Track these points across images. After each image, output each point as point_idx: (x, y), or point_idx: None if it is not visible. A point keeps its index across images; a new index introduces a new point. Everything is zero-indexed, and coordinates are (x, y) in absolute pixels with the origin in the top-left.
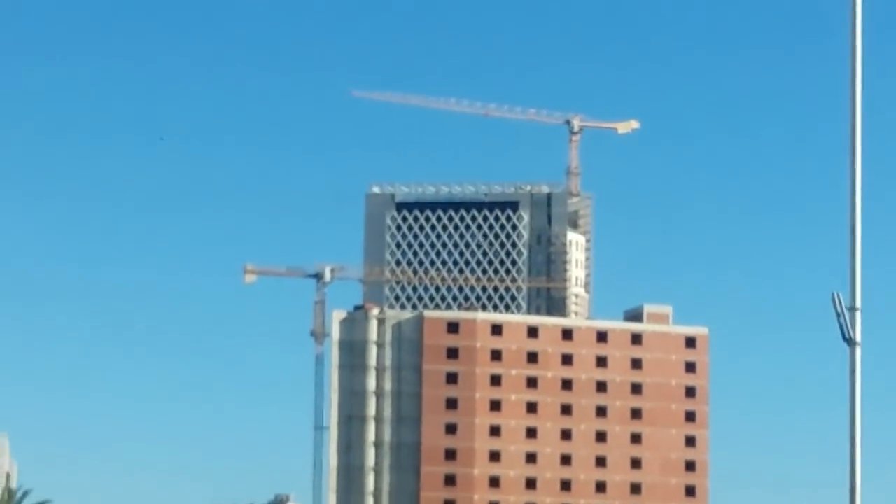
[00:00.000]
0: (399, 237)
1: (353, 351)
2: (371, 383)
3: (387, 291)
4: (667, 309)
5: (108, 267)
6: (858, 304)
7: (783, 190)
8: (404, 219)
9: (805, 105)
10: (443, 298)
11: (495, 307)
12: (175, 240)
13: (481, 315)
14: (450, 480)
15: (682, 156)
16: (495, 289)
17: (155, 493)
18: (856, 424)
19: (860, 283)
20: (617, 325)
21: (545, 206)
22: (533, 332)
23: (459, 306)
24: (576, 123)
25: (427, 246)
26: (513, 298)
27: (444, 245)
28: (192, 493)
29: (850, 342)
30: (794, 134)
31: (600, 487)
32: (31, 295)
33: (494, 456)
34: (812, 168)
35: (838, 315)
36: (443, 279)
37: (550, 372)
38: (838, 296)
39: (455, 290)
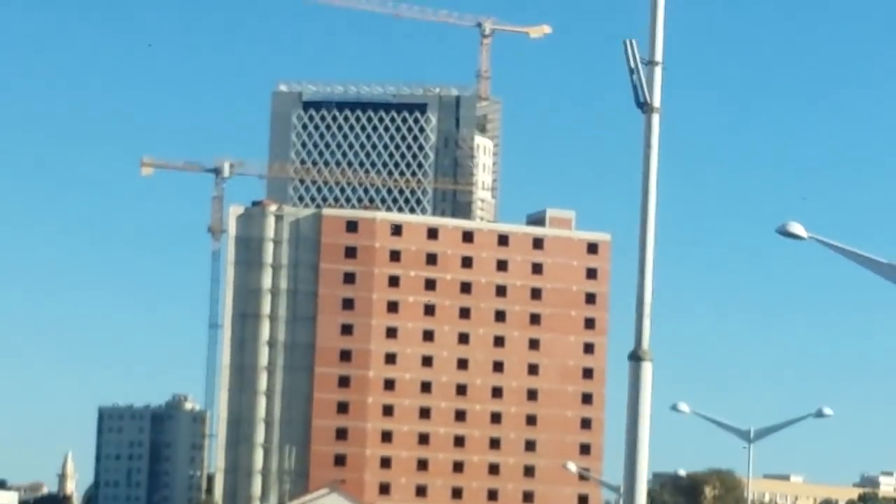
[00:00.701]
0: (305, 136)
1: (249, 248)
2: (267, 281)
3: (290, 191)
4: (569, 214)
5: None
6: (659, 57)
7: None
8: (311, 118)
9: None
10: (347, 199)
11: (400, 210)
12: (69, 125)
13: (381, 214)
14: (344, 382)
15: (593, 62)
16: (401, 191)
17: (48, 395)
18: (649, 200)
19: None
20: (518, 229)
21: (453, 109)
22: (433, 233)
23: (365, 208)
24: (487, 27)
25: (333, 146)
26: (418, 202)
27: (351, 146)
28: (87, 395)
29: (645, 107)
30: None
31: (496, 392)
32: None
33: (390, 358)
34: None
35: (631, 72)
36: (347, 179)
37: (450, 274)
38: (631, 44)
39: (360, 191)
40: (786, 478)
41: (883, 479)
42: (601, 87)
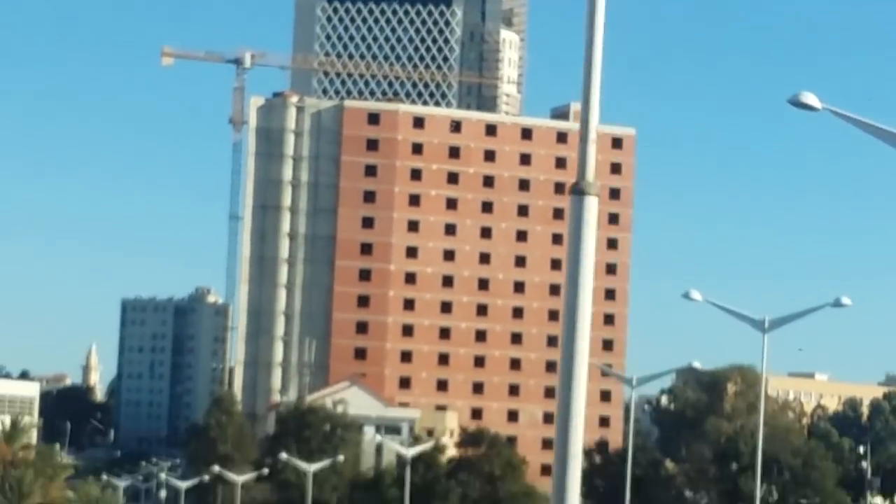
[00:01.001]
0: (329, 28)
1: (270, 139)
2: (287, 173)
3: (314, 83)
4: None
5: (21, 44)
6: None
7: None
8: (335, 9)
9: None
10: (371, 92)
11: (425, 103)
12: (89, 15)
13: (403, 107)
14: (365, 275)
15: None
16: (426, 84)
17: (72, 287)
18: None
19: None
20: (542, 123)
21: (480, 2)
22: (456, 126)
23: (388, 100)
24: None
25: (358, 38)
26: (443, 95)
27: (375, 38)
28: (110, 287)
29: None
30: None
31: (518, 287)
32: None
33: (411, 252)
34: None
35: None
36: (371, 72)
37: (472, 168)
38: None
39: (384, 84)
40: (810, 376)
41: None
42: None
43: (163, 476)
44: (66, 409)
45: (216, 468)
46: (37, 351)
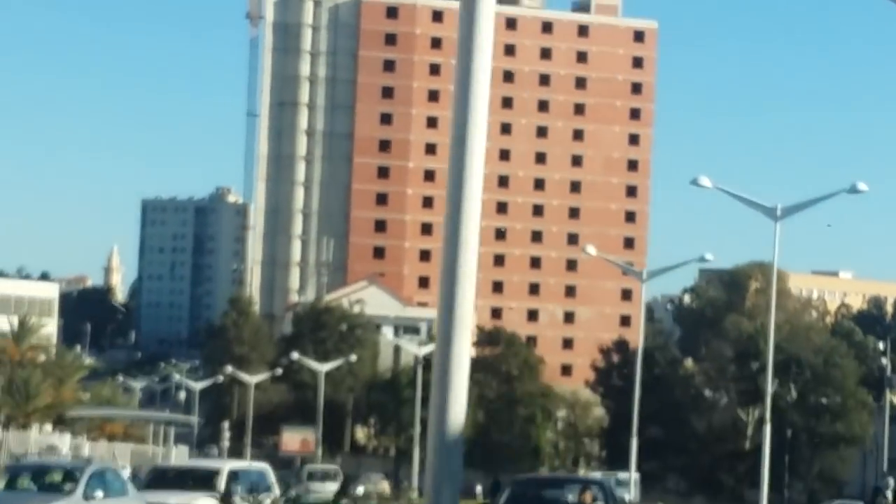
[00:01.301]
0: None
1: (287, 34)
2: (305, 68)
3: None
4: (616, 0)
5: None
6: None
7: None
8: None
9: None
10: None
11: None
12: None
13: (422, 0)
14: (383, 172)
15: None
16: None
17: (91, 188)
18: None
19: None
20: (563, 16)
21: None
22: None
23: None
24: None
25: None
26: None
27: None
28: (130, 187)
29: None
30: None
31: (539, 185)
32: None
33: (430, 148)
34: None
35: None
36: None
37: (492, 63)
38: None
39: None
40: (834, 274)
41: None
42: None
43: (177, 377)
44: (86, 310)
45: (230, 368)
46: (57, 252)
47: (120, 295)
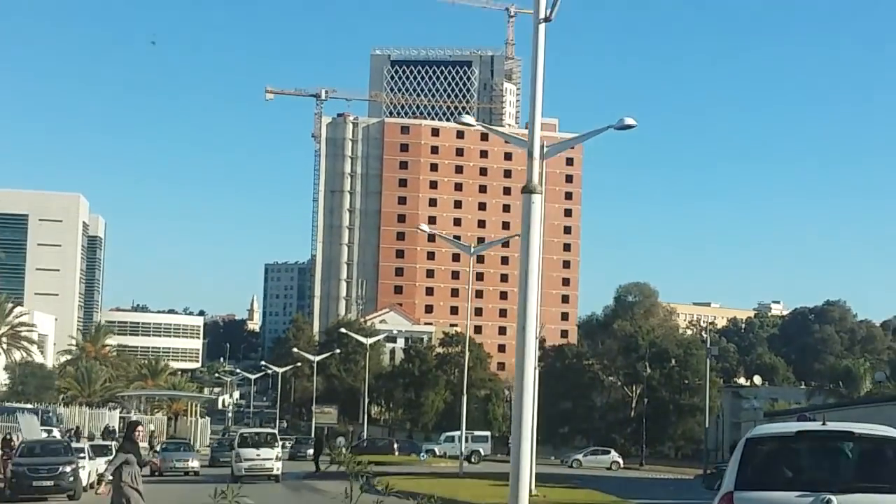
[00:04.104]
0: (392, 84)
1: (336, 145)
2: (348, 167)
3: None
4: (554, 120)
5: (163, 88)
6: None
7: None
8: (396, 71)
9: None
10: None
11: None
12: (211, 66)
13: (425, 122)
14: (400, 236)
15: (581, 37)
16: (451, 112)
17: (241, 253)
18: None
19: None
20: (519, 131)
21: (490, 64)
22: (461, 134)
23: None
24: (512, 10)
25: (409, 89)
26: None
27: (422, 89)
28: (259, 254)
29: None
30: None
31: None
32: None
33: (432, 220)
34: None
35: None
36: (409, 102)
37: (472, 162)
38: None
39: (422, 109)
40: (707, 304)
41: (773, 306)
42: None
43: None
44: (229, 335)
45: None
46: (218, 296)
47: (256, 326)
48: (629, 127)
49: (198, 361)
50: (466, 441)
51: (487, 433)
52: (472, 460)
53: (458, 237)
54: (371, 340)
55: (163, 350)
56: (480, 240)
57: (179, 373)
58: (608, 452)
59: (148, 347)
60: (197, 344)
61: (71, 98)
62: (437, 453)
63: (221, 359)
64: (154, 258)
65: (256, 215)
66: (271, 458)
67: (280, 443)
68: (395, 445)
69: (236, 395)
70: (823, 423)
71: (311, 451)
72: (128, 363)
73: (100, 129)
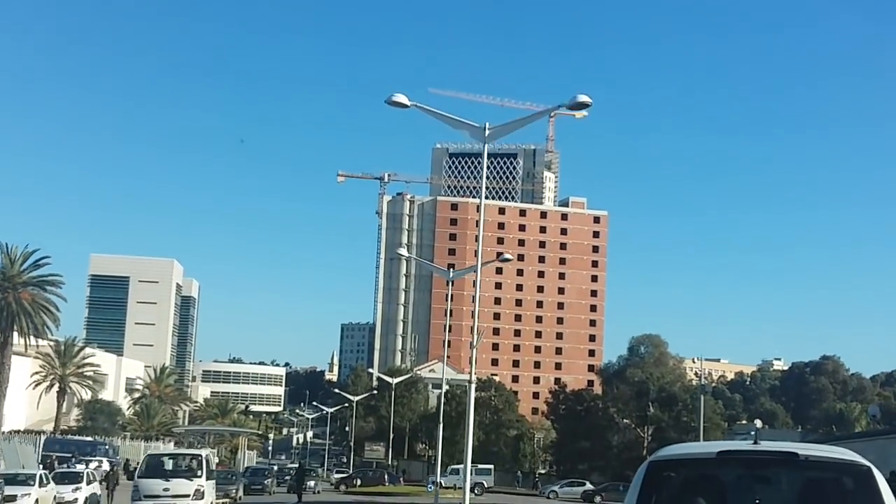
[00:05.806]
0: (449, 172)
1: (395, 220)
2: (405, 238)
3: (443, 190)
4: (583, 199)
5: (251, 172)
6: None
7: None
8: (453, 161)
9: None
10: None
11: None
12: (294, 151)
13: (472, 200)
14: (450, 298)
15: (615, 126)
16: (500, 195)
17: (338, 316)
18: None
19: None
20: (553, 208)
21: (532, 156)
22: (502, 211)
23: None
24: (552, 112)
25: (464, 176)
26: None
27: (473, 176)
28: (342, 316)
29: None
30: None
31: (560, 305)
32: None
33: (474, 284)
34: None
35: None
36: (461, 184)
37: (512, 235)
38: None
39: (472, 191)
40: (717, 360)
41: (776, 362)
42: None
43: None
44: (310, 384)
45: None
46: (302, 352)
47: (334, 377)
48: (584, 105)
49: (280, 406)
50: (470, 474)
51: (491, 466)
52: (476, 492)
53: (498, 299)
54: (396, 381)
55: (250, 395)
56: (518, 301)
57: (264, 415)
58: (583, 484)
59: (237, 393)
60: (279, 391)
61: (175, 193)
62: (444, 485)
63: (302, 404)
64: (248, 318)
65: (336, 281)
66: (186, 496)
67: (209, 471)
68: (402, 478)
69: (309, 434)
70: (755, 442)
71: (311, 483)
72: (208, 405)
73: (210, 219)
